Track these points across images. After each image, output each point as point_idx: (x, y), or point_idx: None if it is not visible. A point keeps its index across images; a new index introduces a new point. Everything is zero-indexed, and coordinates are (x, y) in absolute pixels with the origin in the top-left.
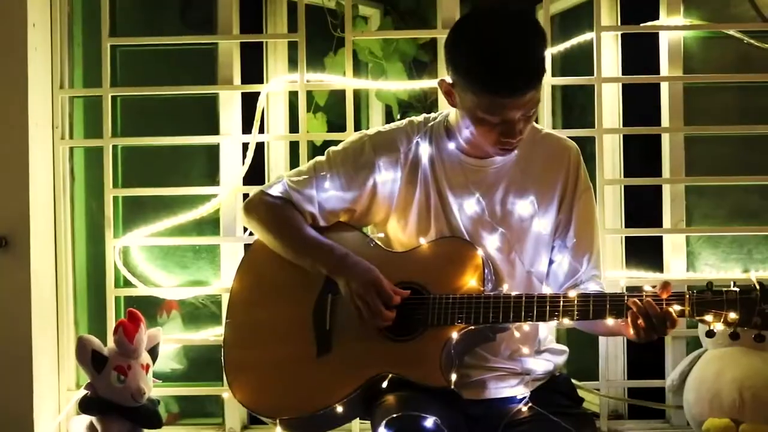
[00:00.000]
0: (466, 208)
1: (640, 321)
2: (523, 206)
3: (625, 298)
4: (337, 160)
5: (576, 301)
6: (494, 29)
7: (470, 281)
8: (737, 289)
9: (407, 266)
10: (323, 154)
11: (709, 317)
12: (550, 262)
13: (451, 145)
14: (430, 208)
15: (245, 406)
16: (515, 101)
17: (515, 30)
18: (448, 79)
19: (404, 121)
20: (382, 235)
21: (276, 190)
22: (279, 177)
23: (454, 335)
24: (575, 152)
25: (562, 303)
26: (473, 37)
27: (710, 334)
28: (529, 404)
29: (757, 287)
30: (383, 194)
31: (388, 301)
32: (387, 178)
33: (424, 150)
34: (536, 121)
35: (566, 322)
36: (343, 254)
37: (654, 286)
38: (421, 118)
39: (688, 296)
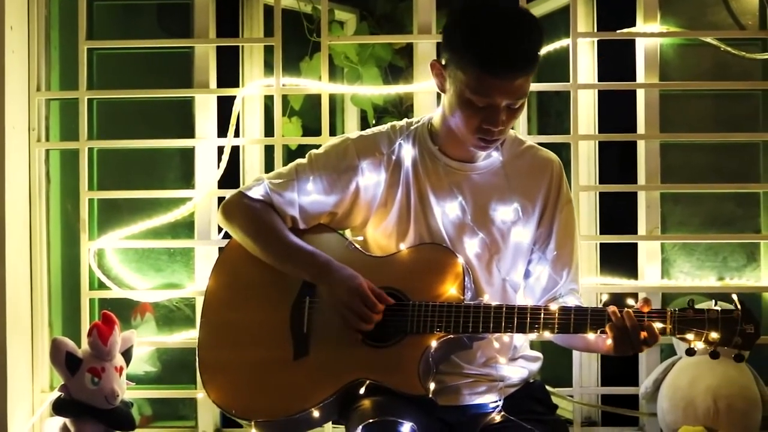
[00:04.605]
0: (448, 211)
1: (621, 335)
2: (505, 212)
3: (607, 311)
4: (320, 163)
5: (557, 314)
6: (496, 14)
7: (450, 289)
8: (719, 309)
9: (387, 271)
10: (299, 158)
11: (690, 336)
12: (528, 274)
13: (435, 147)
14: (410, 210)
15: (219, 406)
16: (505, 84)
17: (516, 18)
18: (442, 62)
19: (386, 126)
20: (361, 238)
21: (256, 192)
22: (258, 179)
23: (433, 343)
24: (558, 165)
25: (543, 315)
26: (475, 18)
27: (690, 352)
28: (502, 412)
29: (738, 307)
30: (365, 197)
31: (373, 307)
32: (370, 181)
33: (407, 151)
34: (513, 129)
35: (546, 334)
36: (326, 261)
37: (635, 301)
38: (403, 122)
39: (669, 314)
